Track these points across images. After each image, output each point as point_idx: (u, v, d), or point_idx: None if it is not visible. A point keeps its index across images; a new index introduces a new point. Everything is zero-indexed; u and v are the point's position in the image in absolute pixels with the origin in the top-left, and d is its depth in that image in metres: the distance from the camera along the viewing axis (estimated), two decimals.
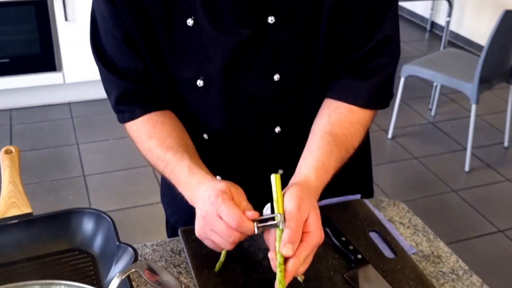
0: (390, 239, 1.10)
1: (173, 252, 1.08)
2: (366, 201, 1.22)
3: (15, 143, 2.74)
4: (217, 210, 0.88)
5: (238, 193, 0.91)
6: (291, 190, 0.90)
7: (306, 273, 1.00)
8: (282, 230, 0.87)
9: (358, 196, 1.22)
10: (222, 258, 1.03)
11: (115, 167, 3.15)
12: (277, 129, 1.14)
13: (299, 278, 0.99)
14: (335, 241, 1.06)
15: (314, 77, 1.08)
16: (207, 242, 0.94)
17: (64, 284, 0.66)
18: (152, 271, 0.67)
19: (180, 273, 1.02)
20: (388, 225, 1.15)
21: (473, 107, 3.07)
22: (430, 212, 2.82)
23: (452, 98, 4.02)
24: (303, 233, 0.87)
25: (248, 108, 1.10)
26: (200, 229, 0.92)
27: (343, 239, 1.07)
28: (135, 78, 1.08)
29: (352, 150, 1.05)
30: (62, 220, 0.98)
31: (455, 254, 1.09)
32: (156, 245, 1.10)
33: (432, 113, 3.81)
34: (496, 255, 2.60)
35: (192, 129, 1.13)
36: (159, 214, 1.45)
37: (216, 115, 1.12)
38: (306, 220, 0.88)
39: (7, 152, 1.08)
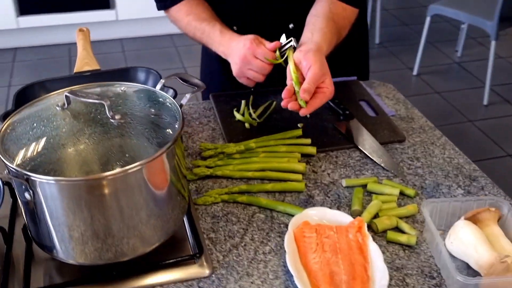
0: (375, 106, 1.39)
1: (205, 109, 1.40)
2: (361, 82, 1.51)
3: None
4: (254, 53, 1.20)
5: (263, 40, 1.23)
6: (314, 54, 1.15)
7: (305, 123, 1.31)
8: (294, 48, 1.18)
9: (354, 78, 1.51)
10: (240, 115, 1.34)
11: None
12: (291, 26, 1.42)
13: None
14: (329, 102, 1.37)
15: None
16: (242, 80, 1.26)
17: (125, 85, 0.94)
18: (184, 78, 0.98)
19: (209, 121, 1.35)
20: (375, 97, 1.44)
21: (493, 43, 3.27)
22: None
23: (480, 41, 4.19)
24: (324, 87, 1.15)
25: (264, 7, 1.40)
26: (238, 70, 1.24)
27: (336, 101, 1.37)
28: None
29: (340, 39, 1.33)
30: (122, 74, 1.31)
31: (424, 117, 1.38)
32: (192, 104, 1.43)
33: (459, 54, 4.00)
34: (501, 175, 2.84)
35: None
36: None
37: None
38: (326, 80, 1.16)
39: (81, 30, 1.42)
